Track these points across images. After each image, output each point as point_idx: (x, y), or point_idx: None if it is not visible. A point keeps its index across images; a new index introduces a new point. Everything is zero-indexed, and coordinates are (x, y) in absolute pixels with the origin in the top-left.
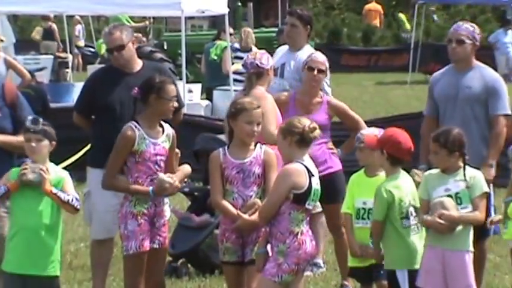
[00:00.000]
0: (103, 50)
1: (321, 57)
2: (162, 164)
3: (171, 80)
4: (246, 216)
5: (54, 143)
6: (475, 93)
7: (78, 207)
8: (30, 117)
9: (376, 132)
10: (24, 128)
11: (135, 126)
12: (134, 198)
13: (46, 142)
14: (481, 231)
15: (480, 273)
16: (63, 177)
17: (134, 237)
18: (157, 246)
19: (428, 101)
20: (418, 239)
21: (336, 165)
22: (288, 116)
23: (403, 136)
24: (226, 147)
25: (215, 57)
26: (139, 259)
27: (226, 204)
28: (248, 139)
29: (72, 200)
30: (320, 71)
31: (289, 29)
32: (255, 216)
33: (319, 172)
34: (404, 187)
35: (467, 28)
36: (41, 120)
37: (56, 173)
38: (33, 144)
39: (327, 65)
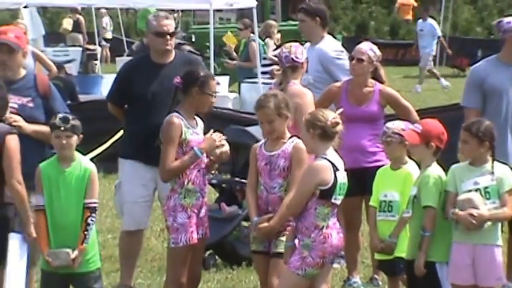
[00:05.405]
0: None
1: (364, 47)
2: (204, 154)
3: (213, 75)
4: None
5: (81, 136)
6: None
7: (94, 222)
8: (60, 116)
9: (402, 125)
10: (53, 125)
11: (178, 116)
12: (183, 190)
13: (75, 137)
14: None
15: None
16: (90, 170)
17: (184, 230)
18: (201, 237)
19: (472, 94)
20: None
21: (385, 159)
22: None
23: (441, 126)
24: (266, 140)
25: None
26: (186, 251)
27: (250, 200)
28: (265, 135)
29: (89, 232)
30: (359, 60)
31: (300, 25)
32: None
33: (368, 163)
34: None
35: None
36: (70, 117)
37: (81, 167)
38: (64, 141)
39: (371, 54)
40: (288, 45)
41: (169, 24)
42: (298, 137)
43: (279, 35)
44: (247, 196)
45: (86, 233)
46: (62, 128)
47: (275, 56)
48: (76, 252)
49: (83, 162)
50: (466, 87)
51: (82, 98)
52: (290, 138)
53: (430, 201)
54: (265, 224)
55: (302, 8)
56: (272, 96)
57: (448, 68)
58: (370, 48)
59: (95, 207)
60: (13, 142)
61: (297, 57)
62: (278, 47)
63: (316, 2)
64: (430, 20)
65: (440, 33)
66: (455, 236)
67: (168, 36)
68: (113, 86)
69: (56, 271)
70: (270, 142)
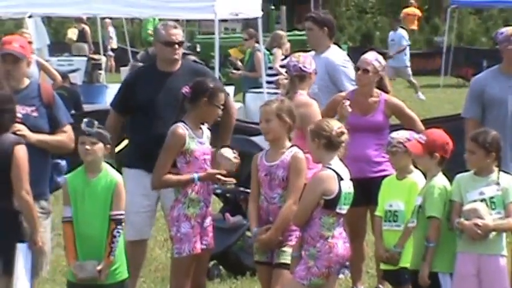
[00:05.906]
0: None
1: (369, 57)
2: (209, 163)
3: (222, 87)
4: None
5: (109, 146)
6: None
7: (120, 234)
8: (85, 120)
9: (407, 135)
10: (79, 132)
11: (184, 126)
12: (187, 200)
13: (100, 145)
14: None
15: None
16: (116, 181)
17: (188, 239)
18: (205, 247)
19: (471, 104)
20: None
21: (391, 169)
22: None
23: (446, 136)
24: (266, 150)
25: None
26: (190, 261)
27: (251, 211)
28: (264, 136)
29: (115, 244)
30: (365, 70)
31: (307, 33)
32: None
33: (373, 172)
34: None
35: None
36: (96, 122)
37: (107, 178)
38: (88, 147)
39: (376, 64)
40: (297, 54)
41: (178, 34)
42: (298, 147)
43: (288, 45)
44: (249, 206)
45: (112, 245)
46: (87, 133)
47: (282, 66)
48: (102, 264)
49: (110, 173)
50: (467, 97)
51: (86, 107)
52: (289, 148)
53: (435, 212)
54: (264, 235)
55: (310, 17)
56: (278, 100)
57: (452, 78)
58: (376, 59)
59: (120, 219)
60: (21, 152)
61: (305, 67)
62: (286, 57)
63: (324, 12)
64: (400, 31)
65: (407, 43)
66: (459, 245)
67: (177, 46)
68: (118, 93)
69: (82, 282)
70: (270, 152)
